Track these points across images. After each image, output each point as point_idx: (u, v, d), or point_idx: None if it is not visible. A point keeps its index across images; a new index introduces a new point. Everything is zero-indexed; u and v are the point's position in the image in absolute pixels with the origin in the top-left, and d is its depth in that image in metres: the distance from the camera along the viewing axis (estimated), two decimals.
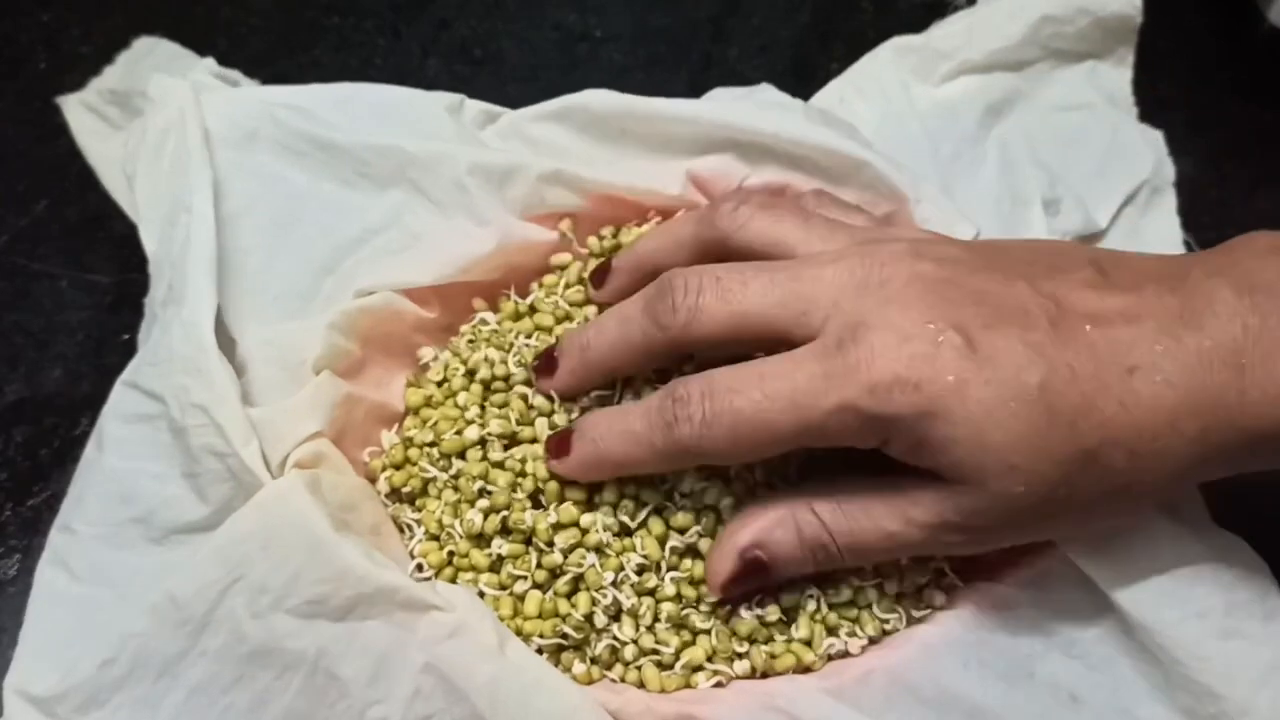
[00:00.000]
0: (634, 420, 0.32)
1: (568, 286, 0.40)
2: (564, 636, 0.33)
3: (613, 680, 0.34)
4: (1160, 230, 0.45)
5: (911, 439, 0.29)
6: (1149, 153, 0.46)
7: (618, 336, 0.34)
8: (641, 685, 0.34)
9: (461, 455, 0.37)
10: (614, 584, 0.34)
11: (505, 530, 0.35)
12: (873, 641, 0.34)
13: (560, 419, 0.36)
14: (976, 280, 0.31)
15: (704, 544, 0.34)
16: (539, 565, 0.34)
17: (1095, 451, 0.29)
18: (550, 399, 0.37)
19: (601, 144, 0.43)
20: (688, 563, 0.34)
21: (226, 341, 0.37)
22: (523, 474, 0.35)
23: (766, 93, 0.46)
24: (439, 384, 0.39)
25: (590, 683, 0.34)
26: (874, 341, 0.29)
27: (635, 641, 0.34)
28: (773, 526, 0.32)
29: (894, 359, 0.29)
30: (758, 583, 0.33)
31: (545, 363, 0.36)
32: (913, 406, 0.28)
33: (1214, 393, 0.29)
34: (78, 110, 0.47)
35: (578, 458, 0.34)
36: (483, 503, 0.35)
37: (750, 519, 0.32)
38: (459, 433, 0.37)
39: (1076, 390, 0.29)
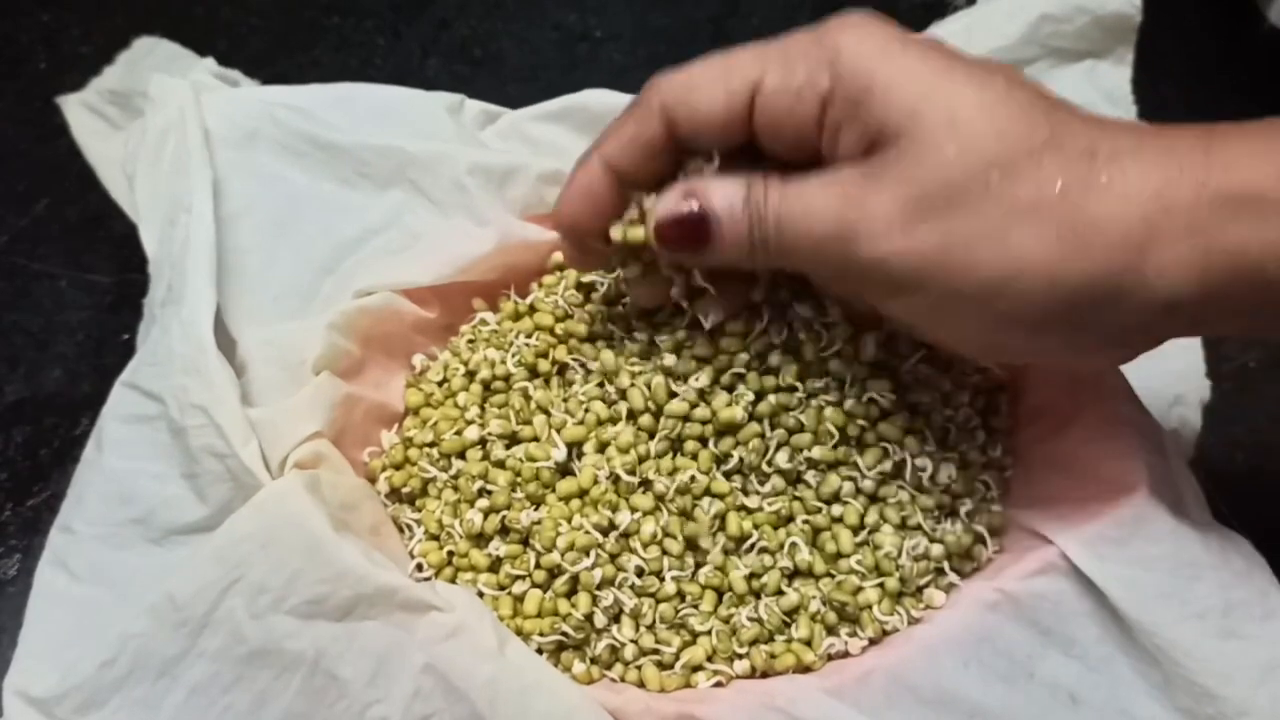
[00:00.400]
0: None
1: (568, 287, 0.40)
2: (564, 636, 0.33)
3: (613, 679, 0.34)
4: None
5: (860, 74, 0.28)
6: None
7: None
8: (641, 685, 0.34)
9: (461, 455, 0.37)
10: (614, 585, 0.34)
11: (504, 530, 0.35)
12: (873, 641, 0.34)
13: (559, 418, 0.36)
14: None
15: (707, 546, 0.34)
16: (538, 565, 0.34)
17: (1045, 145, 0.27)
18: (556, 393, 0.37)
19: None
20: (688, 559, 0.34)
21: (226, 342, 0.37)
22: (522, 474, 0.36)
23: None
24: (439, 384, 0.39)
25: (590, 682, 0.34)
26: (871, 29, 0.29)
27: (635, 641, 0.34)
28: (725, 190, 0.31)
29: (886, 39, 0.29)
30: (696, 235, 0.31)
31: None
32: (870, 36, 0.28)
33: (1180, 160, 0.27)
34: (78, 110, 0.47)
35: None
36: (482, 503, 0.35)
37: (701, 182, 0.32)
38: (459, 433, 0.37)
39: (1046, 102, 0.28)
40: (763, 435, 0.35)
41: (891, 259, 0.28)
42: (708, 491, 0.35)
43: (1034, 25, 0.47)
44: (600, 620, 0.34)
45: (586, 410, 0.36)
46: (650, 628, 0.34)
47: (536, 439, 0.36)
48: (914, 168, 0.27)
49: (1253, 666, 0.31)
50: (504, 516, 0.35)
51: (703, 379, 0.35)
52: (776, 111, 0.30)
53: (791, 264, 0.31)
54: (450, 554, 0.36)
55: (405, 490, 0.37)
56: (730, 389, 0.35)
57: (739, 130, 0.31)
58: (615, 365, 0.36)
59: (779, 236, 0.30)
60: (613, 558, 0.34)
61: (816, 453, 0.35)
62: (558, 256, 0.41)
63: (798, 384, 0.35)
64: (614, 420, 0.36)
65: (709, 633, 0.34)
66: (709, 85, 0.30)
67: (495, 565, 0.35)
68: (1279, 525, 0.34)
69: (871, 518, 0.35)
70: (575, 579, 0.34)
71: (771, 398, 0.35)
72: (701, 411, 0.35)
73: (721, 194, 0.31)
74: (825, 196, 0.29)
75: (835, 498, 0.35)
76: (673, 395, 0.35)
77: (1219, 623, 0.31)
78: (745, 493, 0.35)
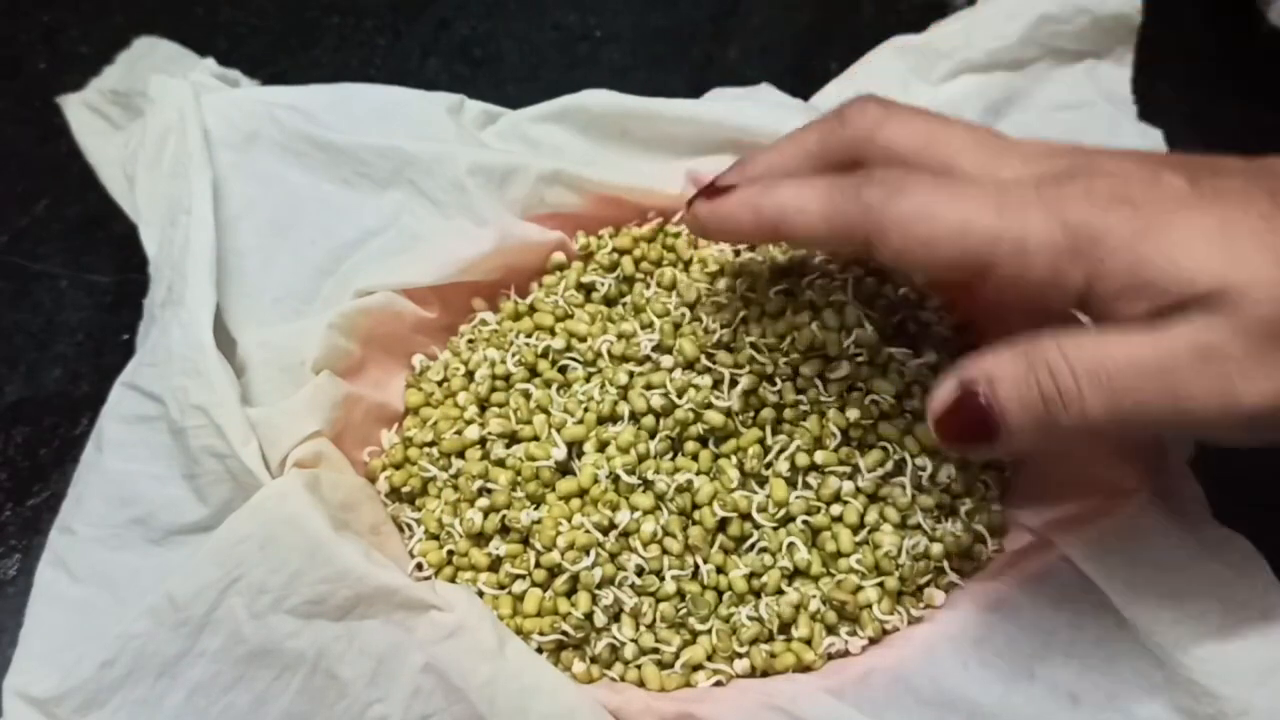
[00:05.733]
0: (809, 183, 0.29)
1: (568, 287, 0.40)
2: (564, 635, 0.33)
3: (613, 679, 0.34)
4: None
5: (1125, 265, 0.25)
6: None
7: (817, 212, 0.29)
8: (641, 684, 0.34)
9: (461, 454, 0.37)
10: (614, 584, 0.34)
11: (504, 529, 0.35)
12: (873, 641, 0.34)
13: (559, 417, 0.36)
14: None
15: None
16: (538, 564, 0.34)
17: None
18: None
19: (602, 145, 0.43)
20: (688, 558, 0.34)
21: (227, 342, 0.37)
22: (522, 473, 0.36)
23: (767, 93, 0.46)
24: (439, 384, 0.39)
25: (590, 681, 0.34)
26: (1095, 177, 0.27)
27: (635, 640, 0.34)
28: (1002, 359, 0.27)
29: (1112, 186, 0.26)
30: (980, 428, 0.27)
31: (710, 188, 0.32)
32: (1129, 221, 0.25)
33: None
34: (78, 110, 0.47)
35: (739, 198, 0.30)
36: (482, 501, 0.35)
37: (979, 355, 0.28)
38: (459, 432, 0.37)
39: None
40: (762, 440, 0.35)
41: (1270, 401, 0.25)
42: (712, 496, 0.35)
43: (1034, 25, 0.47)
44: (600, 619, 0.34)
45: (586, 410, 0.36)
46: (650, 627, 0.34)
47: (536, 438, 0.36)
48: (1240, 319, 0.25)
49: (1253, 666, 0.31)
50: (504, 516, 0.35)
51: (705, 380, 0.35)
52: (1012, 289, 0.27)
53: (1109, 430, 0.27)
54: (450, 553, 0.36)
55: (405, 490, 0.37)
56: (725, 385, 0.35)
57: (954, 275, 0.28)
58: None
59: (1100, 405, 0.26)
60: (613, 557, 0.34)
61: (819, 457, 0.35)
62: (558, 256, 0.41)
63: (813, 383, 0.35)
64: (614, 419, 0.36)
65: (709, 632, 0.34)
66: (946, 236, 0.27)
67: (495, 564, 0.35)
68: (1279, 525, 0.34)
69: (871, 517, 0.35)
70: (575, 578, 0.34)
71: (771, 409, 0.35)
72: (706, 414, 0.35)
73: (1007, 377, 0.27)
74: (1144, 343, 0.26)
75: (835, 498, 0.35)
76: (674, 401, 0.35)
77: (1219, 622, 0.31)
78: (745, 489, 0.35)
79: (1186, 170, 0.27)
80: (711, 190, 0.32)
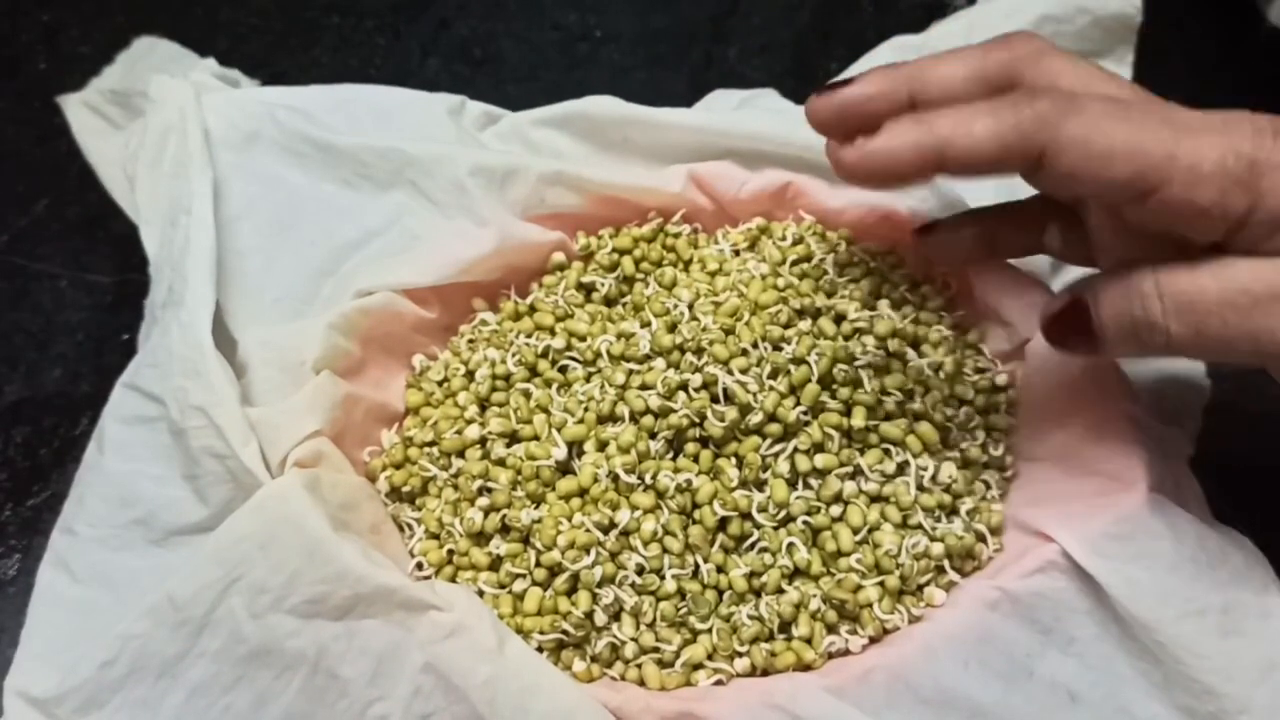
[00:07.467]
0: (969, 106, 0.29)
1: (568, 287, 0.40)
2: (564, 634, 0.33)
3: (613, 678, 0.34)
4: None
5: None
6: None
7: (985, 130, 0.28)
8: (642, 683, 0.34)
9: (461, 454, 0.37)
10: (614, 583, 0.34)
11: (505, 529, 0.35)
12: (873, 640, 0.34)
13: (559, 417, 0.36)
14: None
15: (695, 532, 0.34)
16: (538, 563, 0.34)
17: None
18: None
19: (603, 152, 0.43)
20: (689, 557, 0.34)
21: (227, 343, 0.37)
22: (523, 472, 0.36)
23: (768, 98, 0.46)
24: (439, 384, 0.39)
25: (590, 680, 0.34)
26: (1258, 119, 0.27)
27: (635, 639, 0.34)
28: (1108, 282, 0.30)
29: (1275, 124, 0.27)
30: (1082, 336, 0.30)
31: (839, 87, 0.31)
32: None
33: None
34: (78, 110, 0.47)
35: (891, 135, 0.29)
36: (483, 501, 0.35)
37: (1094, 276, 0.31)
38: (459, 432, 0.37)
39: None
40: (758, 448, 0.35)
41: None
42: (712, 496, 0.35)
43: (1034, 25, 0.47)
44: (600, 618, 0.34)
45: (586, 409, 0.36)
46: (650, 626, 0.34)
47: (537, 438, 0.36)
48: None
49: (1252, 664, 0.31)
50: (504, 515, 0.35)
51: (696, 379, 0.35)
52: (1170, 214, 0.28)
53: (1192, 353, 0.30)
54: (450, 553, 0.36)
55: (405, 489, 0.37)
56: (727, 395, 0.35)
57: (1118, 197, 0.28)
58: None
59: (1185, 334, 0.29)
60: (613, 556, 0.34)
61: (819, 461, 0.35)
62: (558, 257, 0.41)
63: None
64: (614, 419, 0.36)
65: (709, 631, 0.34)
66: (1122, 154, 0.27)
67: (495, 564, 0.35)
68: (1279, 525, 0.34)
69: (872, 516, 0.35)
70: (575, 577, 0.34)
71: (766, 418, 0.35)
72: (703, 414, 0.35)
73: (1108, 300, 0.30)
74: (1239, 275, 0.28)
75: (836, 498, 0.35)
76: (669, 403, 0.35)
77: (1219, 620, 0.31)
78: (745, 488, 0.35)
79: None
80: (840, 100, 0.31)
